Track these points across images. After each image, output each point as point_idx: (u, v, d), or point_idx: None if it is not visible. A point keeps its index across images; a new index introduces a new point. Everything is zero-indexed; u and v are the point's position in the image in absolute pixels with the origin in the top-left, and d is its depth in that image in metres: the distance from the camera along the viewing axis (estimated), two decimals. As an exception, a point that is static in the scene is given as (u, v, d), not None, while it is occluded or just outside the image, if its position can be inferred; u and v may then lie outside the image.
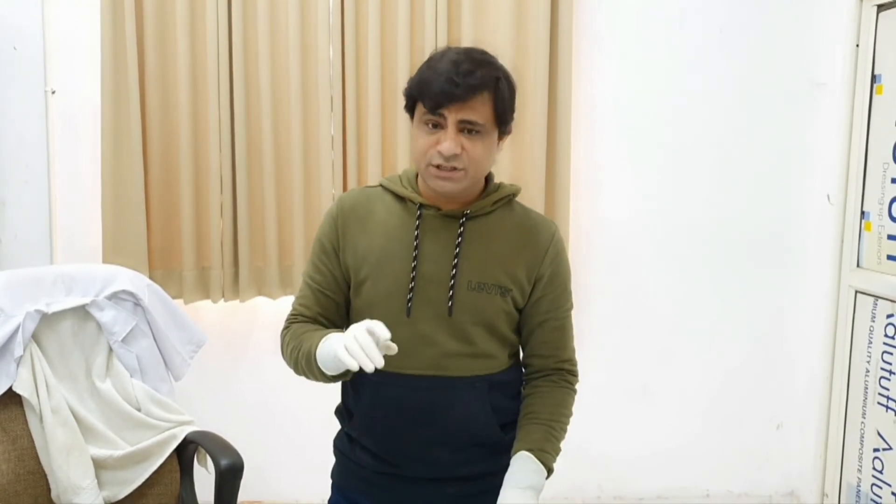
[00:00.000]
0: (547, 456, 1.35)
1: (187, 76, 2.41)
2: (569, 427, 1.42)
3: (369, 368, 1.14)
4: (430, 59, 1.30)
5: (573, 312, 1.46)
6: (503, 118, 1.29)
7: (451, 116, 1.24)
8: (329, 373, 1.27)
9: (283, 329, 1.43)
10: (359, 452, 1.44)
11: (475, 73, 1.23)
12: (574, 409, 1.44)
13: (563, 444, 1.40)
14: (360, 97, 2.50)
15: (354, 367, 1.15)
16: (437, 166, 1.27)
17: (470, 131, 1.26)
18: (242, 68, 2.44)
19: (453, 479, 1.40)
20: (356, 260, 1.37)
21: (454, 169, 1.27)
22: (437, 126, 1.27)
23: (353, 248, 1.37)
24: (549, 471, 1.35)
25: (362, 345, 1.15)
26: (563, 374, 1.43)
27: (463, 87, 1.23)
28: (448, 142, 1.25)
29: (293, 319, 1.42)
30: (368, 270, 1.35)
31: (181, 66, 2.40)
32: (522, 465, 1.32)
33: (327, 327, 1.39)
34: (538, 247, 1.37)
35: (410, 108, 1.32)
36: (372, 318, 1.31)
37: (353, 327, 1.19)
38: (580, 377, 1.47)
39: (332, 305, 1.41)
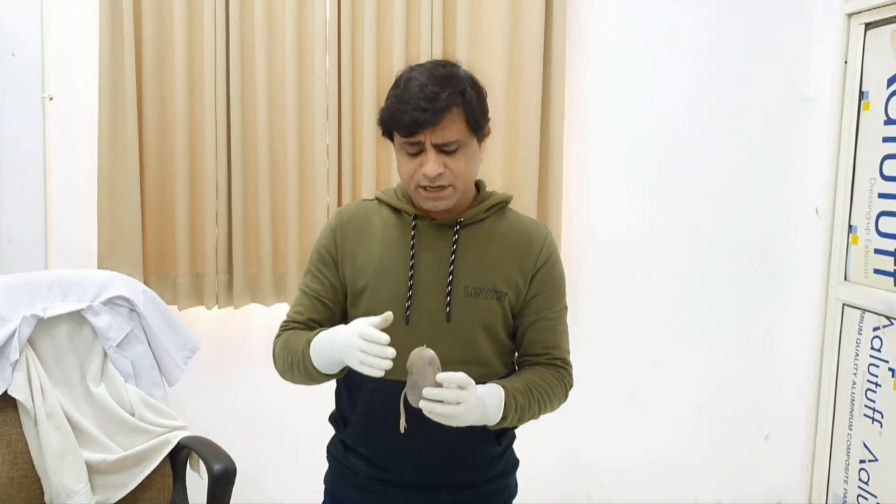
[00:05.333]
0: (510, 398, 1.30)
1: (184, 84, 2.42)
2: (545, 414, 1.38)
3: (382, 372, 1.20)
4: (396, 87, 1.33)
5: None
6: (477, 126, 1.33)
7: (427, 140, 1.29)
8: (323, 370, 1.30)
9: (275, 336, 1.45)
10: (352, 458, 1.45)
11: (440, 96, 1.27)
12: (559, 410, 1.41)
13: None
14: (356, 107, 2.52)
15: (378, 374, 1.20)
16: (425, 188, 1.33)
17: (448, 151, 1.30)
18: (239, 77, 2.46)
19: (447, 486, 1.42)
20: (354, 270, 1.40)
21: (441, 187, 1.32)
22: (417, 151, 1.31)
23: (352, 259, 1.41)
24: (506, 408, 1.29)
25: (376, 353, 1.19)
26: (557, 366, 1.42)
27: (431, 111, 1.27)
28: (430, 164, 1.29)
29: (286, 327, 1.45)
30: (367, 280, 1.39)
31: (178, 74, 2.42)
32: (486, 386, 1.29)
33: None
34: (532, 248, 1.41)
35: (388, 135, 1.37)
36: None
37: (352, 335, 1.22)
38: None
39: (326, 312, 1.43)
